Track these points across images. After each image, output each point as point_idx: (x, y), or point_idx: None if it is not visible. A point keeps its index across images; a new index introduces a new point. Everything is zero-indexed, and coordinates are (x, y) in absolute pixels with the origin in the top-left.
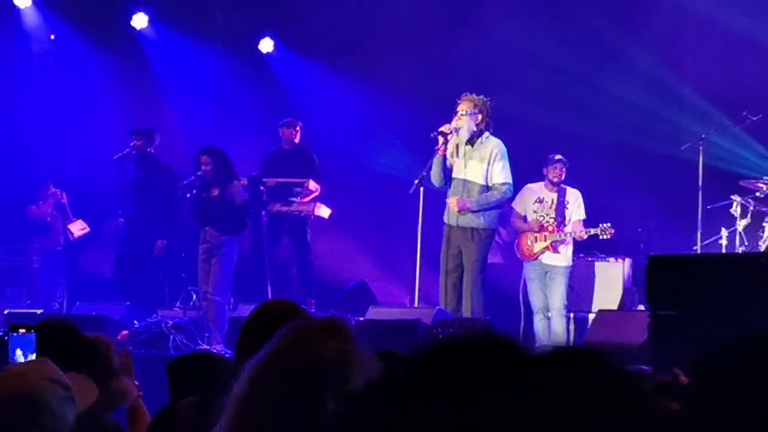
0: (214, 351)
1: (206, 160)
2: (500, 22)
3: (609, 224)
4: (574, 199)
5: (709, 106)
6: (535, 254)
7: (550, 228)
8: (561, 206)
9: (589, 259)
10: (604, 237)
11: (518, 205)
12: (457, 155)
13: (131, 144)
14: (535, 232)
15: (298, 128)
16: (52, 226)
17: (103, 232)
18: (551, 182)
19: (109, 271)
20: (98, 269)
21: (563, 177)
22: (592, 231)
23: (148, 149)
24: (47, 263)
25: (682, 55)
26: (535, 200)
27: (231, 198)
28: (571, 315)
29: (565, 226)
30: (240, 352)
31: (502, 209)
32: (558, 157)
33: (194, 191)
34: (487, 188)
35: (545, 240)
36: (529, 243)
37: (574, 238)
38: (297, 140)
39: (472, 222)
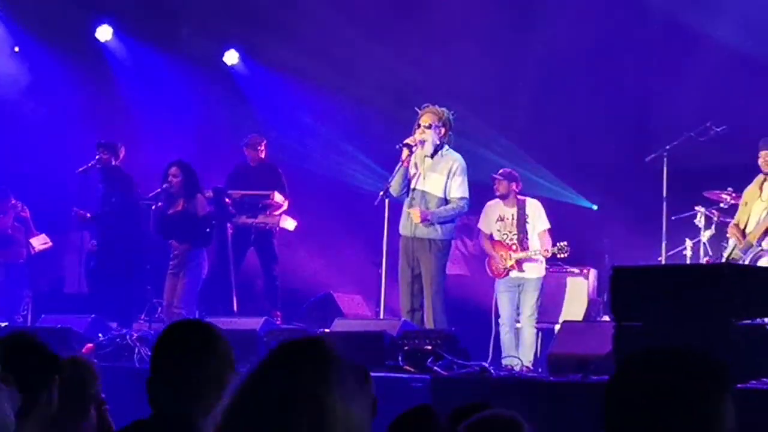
0: None
1: (175, 171)
2: (464, 34)
3: (565, 243)
4: (534, 211)
5: (674, 117)
6: (503, 272)
7: (514, 246)
8: (522, 221)
9: (554, 270)
10: (562, 255)
11: (483, 225)
12: (417, 168)
13: (96, 157)
14: (500, 254)
15: (262, 146)
16: (13, 239)
17: (68, 245)
18: (500, 198)
19: (73, 284)
20: (62, 282)
21: (514, 188)
22: (550, 250)
23: (113, 162)
24: (10, 276)
25: (648, 65)
26: (496, 218)
27: (194, 211)
28: (538, 326)
29: (527, 240)
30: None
31: (459, 221)
32: (500, 171)
33: (159, 203)
34: (445, 201)
35: (510, 258)
36: (497, 261)
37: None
38: (263, 157)
39: (430, 233)
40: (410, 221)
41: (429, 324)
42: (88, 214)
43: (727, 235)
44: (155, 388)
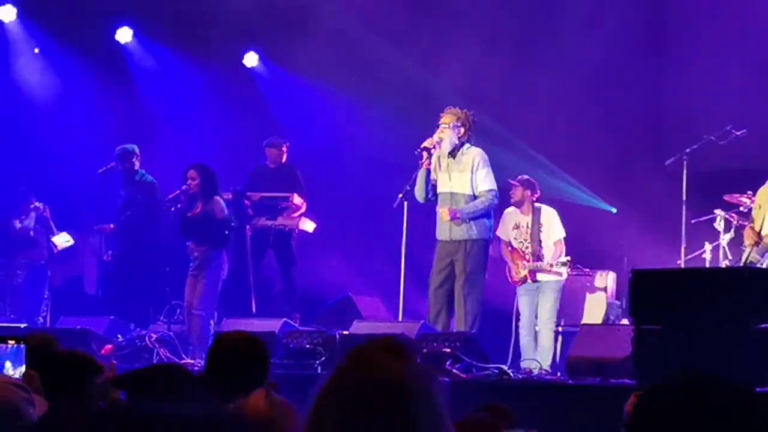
0: (197, 365)
1: (193, 174)
2: (478, 35)
3: (569, 258)
4: (548, 219)
5: (694, 120)
6: (519, 281)
7: (527, 256)
8: (536, 230)
9: (574, 273)
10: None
11: (501, 233)
12: (440, 169)
13: (114, 165)
14: (516, 264)
15: (284, 148)
16: (35, 240)
17: (87, 246)
18: (516, 205)
19: (91, 285)
20: (80, 284)
21: (529, 196)
22: (555, 265)
23: (133, 166)
24: (31, 277)
25: (665, 69)
26: (513, 226)
27: (212, 213)
28: (559, 329)
29: (542, 249)
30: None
31: (492, 219)
32: (517, 178)
33: (179, 205)
34: (474, 197)
35: (525, 269)
36: (513, 270)
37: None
38: (283, 160)
39: (465, 234)
40: (446, 225)
41: (461, 326)
42: (111, 226)
43: (744, 239)
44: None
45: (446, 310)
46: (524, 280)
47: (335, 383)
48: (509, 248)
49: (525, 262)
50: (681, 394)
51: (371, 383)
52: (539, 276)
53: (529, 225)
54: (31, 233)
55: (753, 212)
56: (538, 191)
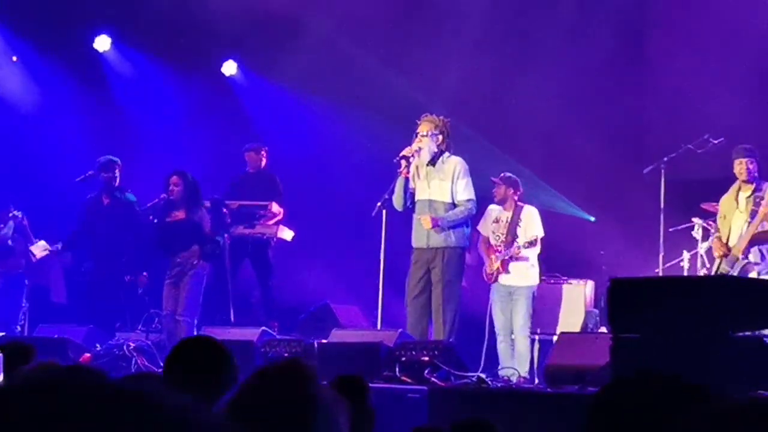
0: None
1: (176, 180)
2: (461, 45)
3: (536, 235)
4: (528, 217)
5: (672, 129)
6: (491, 275)
7: (501, 248)
8: (513, 225)
9: (552, 281)
10: (529, 248)
11: (482, 228)
12: (419, 177)
13: (91, 172)
14: (490, 258)
15: (263, 153)
16: (13, 249)
17: (53, 255)
18: (498, 203)
19: (59, 294)
20: (47, 293)
21: (512, 194)
22: (522, 245)
23: (115, 177)
24: (8, 286)
25: (644, 77)
26: (493, 220)
27: (200, 223)
28: (536, 337)
29: (514, 244)
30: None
31: (469, 228)
32: (500, 175)
33: (154, 219)
34: (453, 206)
35: (497, 260)
36: (487, 266)
37: (539, 258)
38: (263, 165)
39: (443, 241)
40: (423, 232)
41: (439, 335)
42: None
43: (713, 251)
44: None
45: (424, 319)
46: (497, 277)
47: (240, 397)
48: (486, 244)
49: (497, 254)
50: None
51: (277, 396)
52: (512, 281)
53: (508, 219)
54: (9, 242)
55: (718, 222)
56: (521, 189)
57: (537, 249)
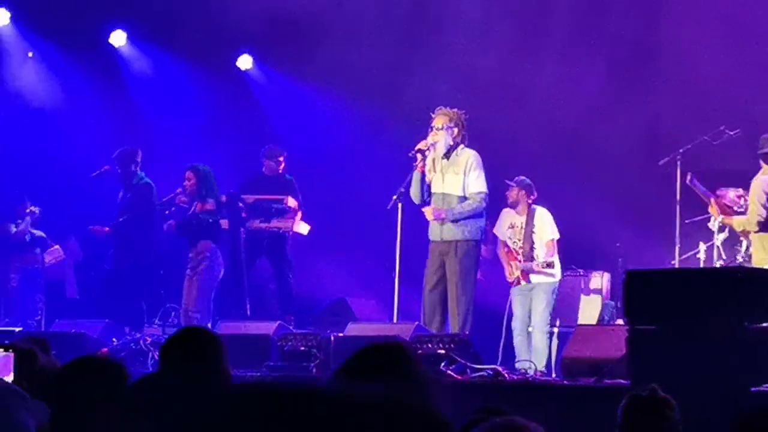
0: None
1: (189, 175)
2: (470, 39)
3: (552, 258)
4: (542, 220)
5: (686, 121)
6: (513, 281)
7: (520, 257)
8: (528, 231)
9: (569, 273)
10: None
11: (498, 231)
12: (435, 170)
13: (107, 167)
14: (510, 264)
15: (282, 158)
16: (31, 244)
17: (67, 250)
18: (511, 206)
19: (72, 289)
20: (62, 288)
21: (525, 197)
22: (540, 264)
23: (133, 169)
24: (26, 281)
25: (658, 68)
26: (508, 226)
27: (209, 216)
28: (555, 330)
29: (534, 250)
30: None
31: (485, 220)
32: (514, 179)
33: (173, 208)
34: (464, 199)
35: (517, 269)
36: (508, 272)
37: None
38: (281, 170)
39: (456, 235)
40: (437, 225)
41: (454, 328)
42: (107, 229)
43: (741, 238)
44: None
45: (440, 312)
46: (518, 281)
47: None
48: (505, 248)
49: (517, 262)
50: None
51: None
52: (533, 278)
53: (523, 225)
54: (27, 237)
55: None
56: (534, 193)
57: (554, 252)
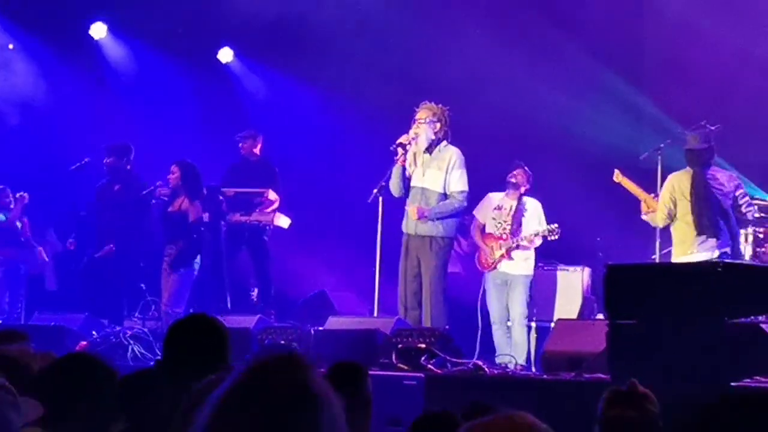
0: None
1: (174, 169)
2: (457, 33)
3: (556, 225)
4: (533, 209)
5: (667, 116)
6: (492, 264)
7: (505, 235)
8: (518, 213)
9: (549, 268)
10: (552, 238)
11: (479, 213)
12: (415, 164)
13: (87, 159)
14: (489, 246)
15: (258, 140)
16: (21, 232)
17: (46, 243)
18: (512, 186)
19: (52, 281)
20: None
21: (525, 183)
22: (540, 230)
23: (124, 164)
24: (9, 273)
25: (640, 65)
26: (494, 207)
27: (186, 213)
28: (533, 324)
29: (520, 233)
30: None
31: (461, 218)
32: (519, 162)
33: (153, 201)
34: (444, 196)
35: (501, 248)
36: (487, 253)
37: (534, 248)
38: (257, 151)
39: (431, 230)
40: (412, 219)
41: (427, 323)
42: (112, 246)
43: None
44: None
45: (416, 305)
46: (495, 265)
47: (240, 387)
48: (480, 231)
49: (501, 242)
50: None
51: (280, 386)
52: (508, 269)
53: (513, 208)
54: (18, 223)
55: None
56: (529, 184)
57: (540, 240)
